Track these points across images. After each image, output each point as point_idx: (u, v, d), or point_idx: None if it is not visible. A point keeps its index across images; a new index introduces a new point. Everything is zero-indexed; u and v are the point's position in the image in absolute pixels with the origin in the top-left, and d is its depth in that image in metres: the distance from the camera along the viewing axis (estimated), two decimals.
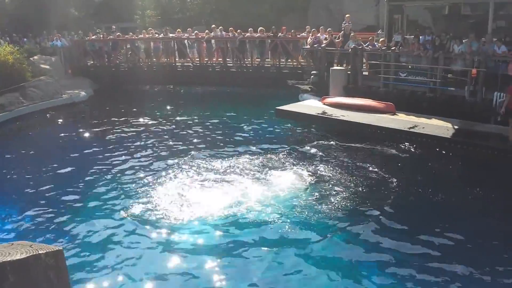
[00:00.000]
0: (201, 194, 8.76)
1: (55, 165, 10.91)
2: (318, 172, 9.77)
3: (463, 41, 13.05)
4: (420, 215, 8.21)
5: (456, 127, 11.70)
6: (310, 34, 17.99)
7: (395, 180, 9.43)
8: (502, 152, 10.12)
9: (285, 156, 10.95)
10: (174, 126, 14.78)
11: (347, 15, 17.85)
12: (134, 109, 17.17)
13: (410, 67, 14.02)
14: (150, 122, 15.31)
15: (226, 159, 10.77)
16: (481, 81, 12.13)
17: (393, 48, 14.43)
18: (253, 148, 11.75)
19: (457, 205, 8.46)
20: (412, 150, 11.21)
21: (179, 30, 22.46)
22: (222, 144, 12.35)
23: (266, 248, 6.96)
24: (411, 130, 11.67)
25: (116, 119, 15.82)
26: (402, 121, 12.46)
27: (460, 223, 7.77)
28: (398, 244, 7.03)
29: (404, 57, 14.20)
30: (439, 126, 11.82)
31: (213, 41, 21.04)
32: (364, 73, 15.17)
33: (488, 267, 6.41)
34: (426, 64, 13.46)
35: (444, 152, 10.88)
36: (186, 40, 21.68)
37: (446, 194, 8.76)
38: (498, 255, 6.72)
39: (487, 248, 6.90)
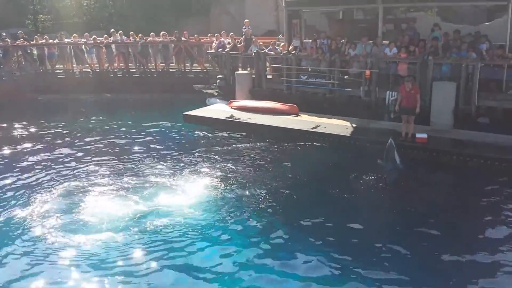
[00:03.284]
0: (107, 206, 8.41)
1: None
2: (228, 174, 9.90)
3: (357, 44, 13.94)
4: (324, 206, 8.60)
5: (354, 125, 12.50)
6: (214, 39, 18.10)
7: (300, 177, 9.97)
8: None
9: (194, 161, 10.90)
10: (70, 138, 13.75)
11: (246, 20, 18.26)
12: (22, 122, 15.74)
13: (310, 70, 14.66)
14: (42, 135, 14.21)
15: (133, 168, 10.46)
16: (374, 82, 13.06)
17: (293, 52, 15.00)
18: (162, 155, 11.50)
19: (356, 195, 9.04)
20: (315, 148, 11.78)
21: (75, 35, 21.40)
22: (127, 153, 11.87)
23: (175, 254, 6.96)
24: (314, 130, 12.27)
25: None
26: (305, 122, 13.03)
27: (359, 211, 8.32)
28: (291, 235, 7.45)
29: (304, 61, 14.83)
30: (339, 125, 12.55)
31: (113, 46, 20.30)
32: (268, 76, 15.61)
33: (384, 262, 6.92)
34: (325, 67, 14.18)
35: (344, 149, 11.53)
36: (83, 46, 20.68)
37: (348, 187, 9.31)
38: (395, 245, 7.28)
39: (385, 237, 7.44)
